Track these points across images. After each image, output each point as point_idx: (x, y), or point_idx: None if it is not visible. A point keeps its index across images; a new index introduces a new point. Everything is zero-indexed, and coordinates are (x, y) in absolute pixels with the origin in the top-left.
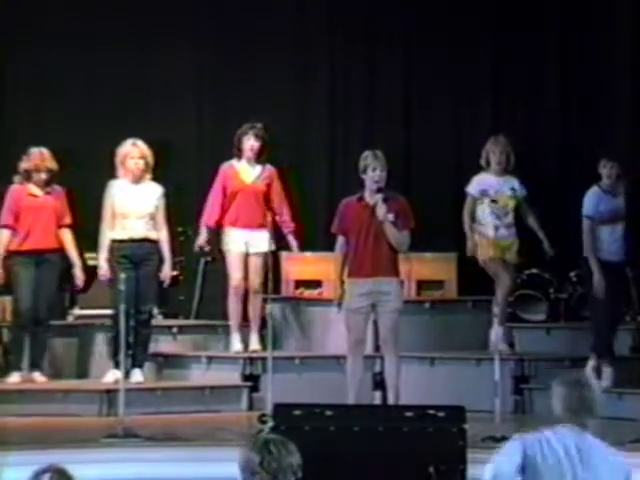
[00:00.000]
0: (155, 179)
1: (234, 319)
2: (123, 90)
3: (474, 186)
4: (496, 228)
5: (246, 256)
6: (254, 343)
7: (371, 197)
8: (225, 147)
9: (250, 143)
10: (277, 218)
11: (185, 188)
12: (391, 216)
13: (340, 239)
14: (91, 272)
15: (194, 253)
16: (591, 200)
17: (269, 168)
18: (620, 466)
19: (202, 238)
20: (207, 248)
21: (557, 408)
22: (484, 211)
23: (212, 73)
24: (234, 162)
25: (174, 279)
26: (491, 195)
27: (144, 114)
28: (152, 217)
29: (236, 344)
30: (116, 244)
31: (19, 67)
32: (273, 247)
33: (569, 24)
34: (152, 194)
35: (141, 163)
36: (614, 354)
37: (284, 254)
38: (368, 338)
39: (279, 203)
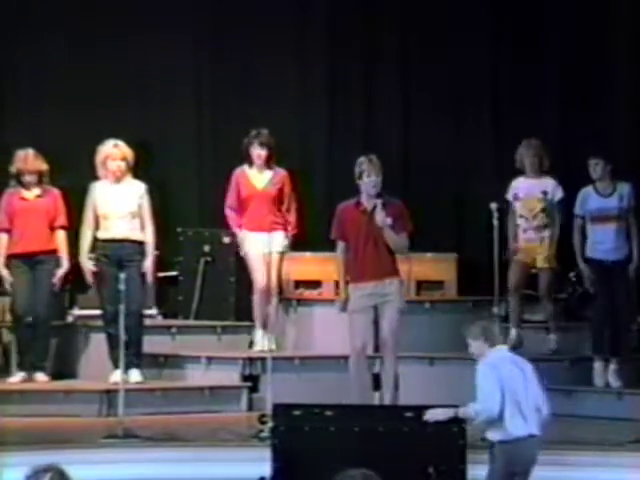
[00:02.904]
0: (154, 179)
1: (259, 319)
2: (122, 89)
3: (509, 192)
4: (524, 230)
5: (265, 258)
6: (272, 343)
7: (368, 202)
8: (225, 147)
9: (257, 152)
10: (283, 219)
11: (184, 189)
12: (389, 220)
13: (340, 244)
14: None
15: (193, 253)
16: (578, 198)
17: (280, 172)
18: (531, 368)
19: (241, 241)
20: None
21: (478, 339)
22: (516, 214)
23: (212, 73)
24: (246, 167)
25: (173, 279)
26: (521, 198)
27: (143, 114)
28: (135, 216)
29: (259, 344)
30: (99, 243)
31: (17, 66)
32: (286, 248)
33: (569, 27)
34: (134, 193)
35: (123, 165)
36: (619, 353)
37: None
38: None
39: (288, 205)
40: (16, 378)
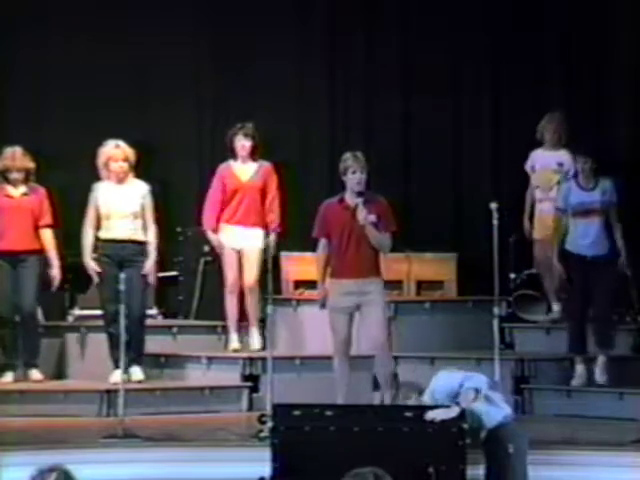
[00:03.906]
0: (154, 179)
1: (231, 318)
2: (123, 89)
3: (527, 163)
4: (540, 201)
5: (240, 254)
6: (255, 343)
7: (352, 199)
8: (225, 147)
9: (241, 143)
10: (266, 215)
11: (185, 188)
12: (372, 217)
13: (322, 241)
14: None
15: (193, 253)
16: (561, 192)
17: (265, 165)
18: None
19: (214, 241)
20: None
21: (411, 395)
22: (533, 185)
23: (212, 73)
24: (231, 162)
25: (173, 279)
26: (537, 169)
27: (143, 114)
28: (137, 216)
29: (233, 342)
30: (100, 243)
31: (17, 66)
32: (271, 247)
33: (569, 24)
34: (136, 193)
35: (125, 165)
36: (607, 346)
37: (284, 254)
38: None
39: (271, 200)
40: (7, 378)
